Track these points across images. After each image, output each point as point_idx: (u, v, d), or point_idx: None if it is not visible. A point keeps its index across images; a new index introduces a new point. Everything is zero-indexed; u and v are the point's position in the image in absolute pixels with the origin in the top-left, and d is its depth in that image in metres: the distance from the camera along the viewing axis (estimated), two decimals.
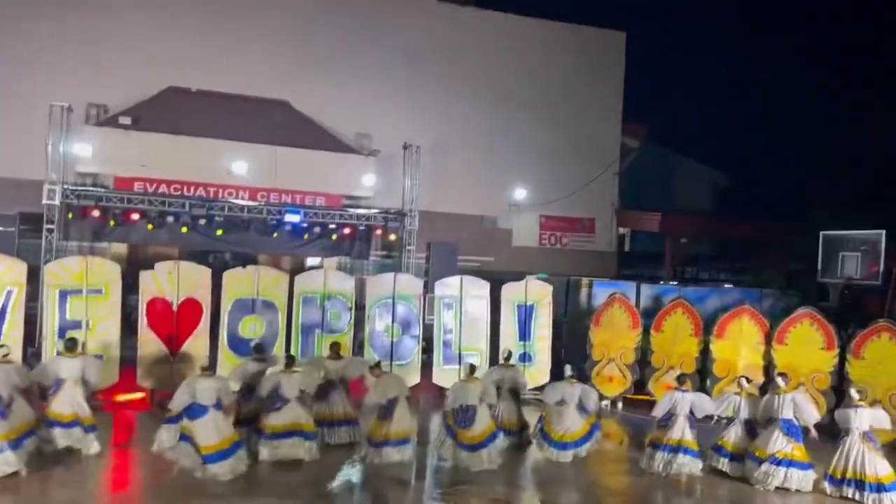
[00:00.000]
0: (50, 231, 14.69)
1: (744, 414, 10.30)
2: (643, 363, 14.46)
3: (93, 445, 9.71)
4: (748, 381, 10.83)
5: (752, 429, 10.22)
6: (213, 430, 9.20)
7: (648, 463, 10.28)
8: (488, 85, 23.56)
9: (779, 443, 9.72)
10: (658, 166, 28.04)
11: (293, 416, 9.91)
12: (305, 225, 16.96)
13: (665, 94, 35.06)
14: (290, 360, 10.47)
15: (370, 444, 9.99)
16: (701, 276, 27.61)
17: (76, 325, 11.74)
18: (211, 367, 10.28)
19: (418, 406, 12.48)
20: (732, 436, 10.28)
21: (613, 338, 14.61)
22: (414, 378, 13.84)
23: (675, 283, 19.66)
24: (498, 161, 23.44)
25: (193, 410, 9.25)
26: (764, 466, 9.68)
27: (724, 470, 10.15)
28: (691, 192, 29.23)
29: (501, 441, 10.37)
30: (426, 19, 23.20)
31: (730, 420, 10.43)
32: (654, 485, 9.88)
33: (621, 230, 26.91)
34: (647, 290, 16.39)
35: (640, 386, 14.43)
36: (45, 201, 14.60)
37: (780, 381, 10.29)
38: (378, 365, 10.95)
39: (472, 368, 10.71)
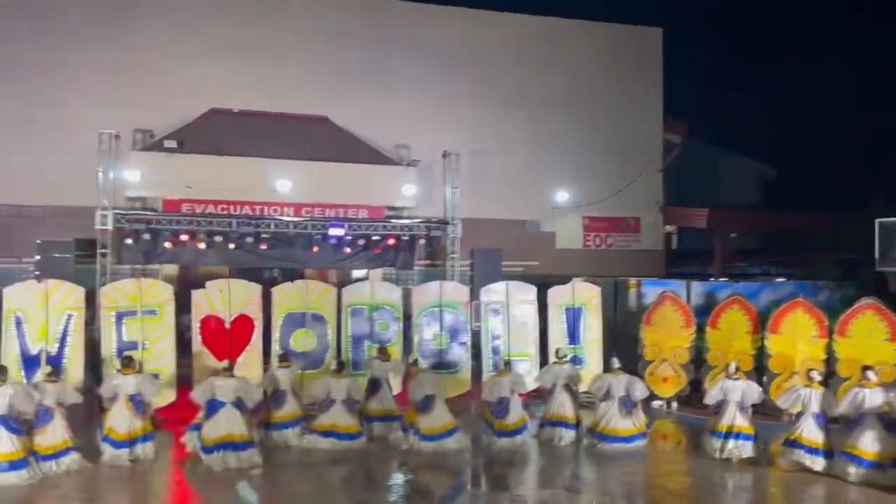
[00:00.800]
0: (104, 255, 15.10)
1: (815, 407, 10.07)
2: (698, 362, 14.21)
3: (149, 452, 10.18)
4: (818, 373, 10.59)
5: (824, 422, 10.03)
6: (223, 424, 9.91)
7: (707, 449, 10.59)
8: (525, 88, 23.47)
9: (881, 441, 9.49)
10: (702, 161, 27.56)
11: (336, 417, 10.90)
12: (350, 238, 17.11)
13: (705, 88, 34.50)
14: (340, 366, 11.53)
15: (416, 434, 10.86)
16: (752, 271, 27.04)
17: (133, 345, 12.01)
18: None
19: (470, 413, 12.51)
20: (805, 430, 10.05)
21: (665, 337, 14.38)
22: (464, 386, 13.82)
23: (726, 279, 19.31)
24: (538, 164, 23.33)
25: (211, 405, 10.03)
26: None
27: (805, 464, 9.93)
28: (738, 186, 28.68)
29: (530, 431, 11.43)
30: (459, 26, 23.22)
31: (799, 414, 10.25)
32: (714, 485, 9.70)
33: (668, 228, 26.50)
34: (697, 288, 16.11)
35: (696, 385, 14.17)
36: (97, 226, 15.02)
37: (870, 375, 10.00)
38: (415, 363, 12.25)
39: (505, 363, 11.98)
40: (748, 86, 34.53)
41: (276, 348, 13.02)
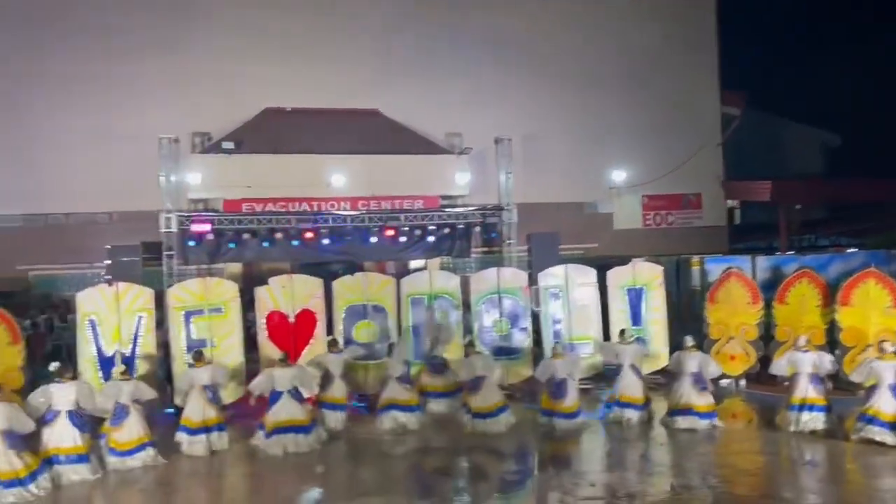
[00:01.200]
0: (170, 257, 15.53)
1: (890, 379, 9.72)
2: (767, 338, 13.86)
3: (223, 442, 10.64)
4: (891, 344, 10.22)
5: None
6: (282, 411, 10.48)
7: (782, 423, 10.61)
8: (577, 67, 23.14)
9: None
10: (763, 133, 26.75)
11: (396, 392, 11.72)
12: (406, 229, 17.20)
13: (763, 57, 33.42)
14: (390, 349, 12.37)
15: (468, 413, 11.36)
16: (820, 242, 26.19)
17: (201, 343, 12.31)
18: None
19: (534, 398, 12.49)
20: (884, 404, 9.74)
21: (732, 315, 14.04)
22: (526, 371, 13.78)
23: (793, 252, 18.73)
24: (593, 144, 23.02)
25: (271, 396, 10.62)
26: None
27: (878, 439, 9.62)
28: (801, 156, 27.76)
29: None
30: (507, 9, 23.00)
31: (872, 388, 9.94)
32: (786, 463, 9.49)
33: (730, 203, 25.86)
34: (763, 263, 15.67)
35: (765, 362, 13.82)
36: (162, 229, 15.45)
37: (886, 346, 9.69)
38: (471, 343, 12.64)
39: (559, 346, 12.21)
40: (808, 51, 33.27)
41: (340, 341, 13.20)
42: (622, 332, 12.52)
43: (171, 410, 11.88)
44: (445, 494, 8.60)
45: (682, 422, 10.94)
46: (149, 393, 10.48)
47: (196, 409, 10.57)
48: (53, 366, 9.89)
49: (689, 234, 24.02)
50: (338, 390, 11.75)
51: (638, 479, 9.01)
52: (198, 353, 11.15)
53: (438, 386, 12.57)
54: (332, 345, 12.18)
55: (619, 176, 23.29)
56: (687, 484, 8.75)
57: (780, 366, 11.02)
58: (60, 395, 9.48)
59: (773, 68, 32.04)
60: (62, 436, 9.37)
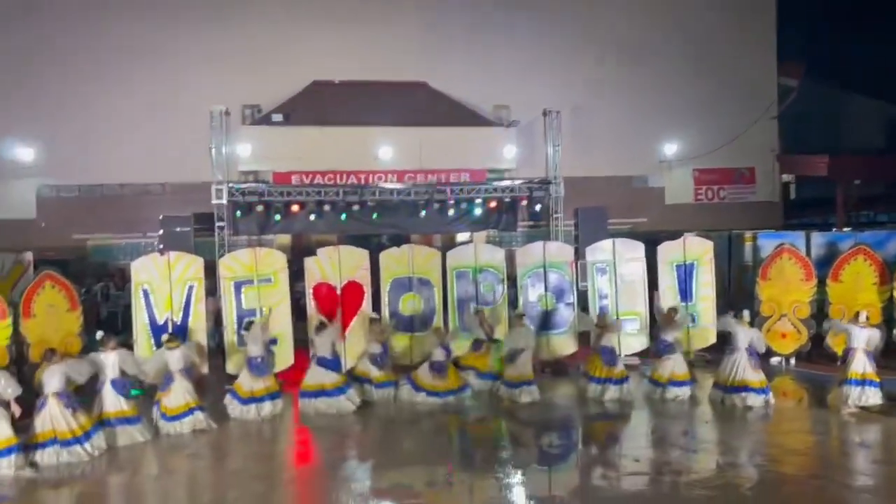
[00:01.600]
0: (221, 228, 15.79)
1: None
2: (819, 316, 13.54)
3: (275, 409, 10.97)
4: None
5: None
6: (317, 374, 11.20)
7: (836, 400, 10.49)
8: (628, 37, 22.66)
9: None
10: (821, 105, 25.87)
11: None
12: (452, 202, 17.18)
13: (823, 25, 32.14)
14: (171, 338, 11.26)
15: (501, 381, 11.80)
16: (879, 218, 25.36)
17: (251, 313, 12.54)
18: None
19: (578, 372, 12.47)
20: None
21: (784, 292, 13.75)
22: (571, 346, 13.73)
23: (849, 229, 18.18)
24: (644, 117, 22.60)
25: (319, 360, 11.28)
26: None
27: None
28: (861, 130, 26.78)
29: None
30: None
31: None
32: (837, 443, 9.30)
33: (784, 177, 25.17)
34: (818, 239, 15.28)
35: (817, 341, 13.54)
36: (214, 201, 15.70)
37: None
38: (520, 316, 12.59)
39: (607, 317, 12.52)
40: (871, 19, 31.89)
41: (385, 312, 13.33)
42: (673, 309, 12.24)
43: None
44: (487, 466, 8.66)
45: (737, 398, 10.79)
46: (197, 360, 10.76)
47: (247, 379, 10.90)
48: (99, 335, 10.22)
49: (741, 209, 23.51)
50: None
51: (683, 456, 8.93)
52: (248, 324, 11.47)
53: (479, 366, 12.42)
54: (374, 322, 12.32)
55: (669, 149, 22.86)
56: (733, 462, 8.65)
57: (838, 326, 11.14)
58: (105, 363, 9.84)
59: (833, 37, 30.79)
60: (108, 402, 9.75)
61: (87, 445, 9.09)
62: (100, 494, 8.31)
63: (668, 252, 14.25)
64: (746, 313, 11.46)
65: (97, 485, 8.49)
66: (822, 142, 24.45)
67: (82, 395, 9.81)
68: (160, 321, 12.11)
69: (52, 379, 9.12)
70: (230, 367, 12.31)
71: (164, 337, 11.12)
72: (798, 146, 24.47)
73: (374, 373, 11.89)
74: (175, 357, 10.45)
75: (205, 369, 11.77)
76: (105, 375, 9.81)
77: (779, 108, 23.98)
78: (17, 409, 8.94)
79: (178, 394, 10.29)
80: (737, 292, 15.91)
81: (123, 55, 20.50)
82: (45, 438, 8.89)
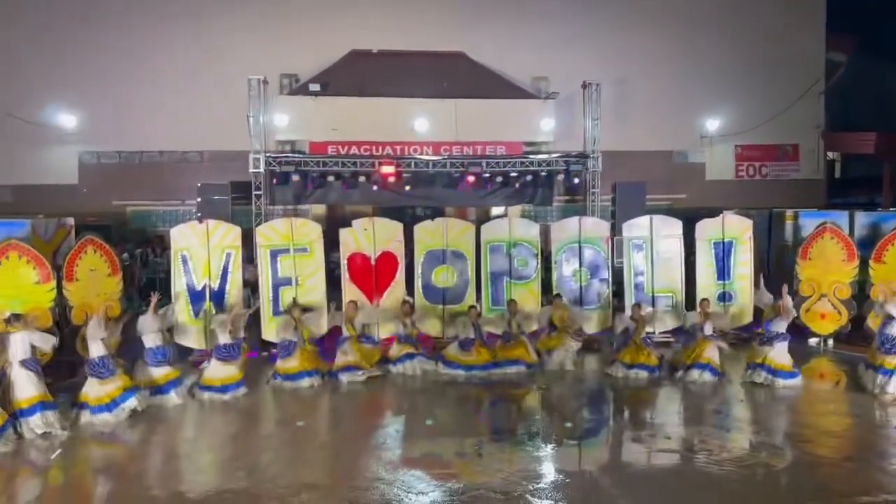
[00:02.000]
0: (258, 197, 15.95)
1: None
2: (861, 298, 13.26)
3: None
4: None
5: None
6: (349, 353, 11.63)
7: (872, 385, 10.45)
8: (670, 9, 22.14)
9: None
10: (870, 81, 25.08)
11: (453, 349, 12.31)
12: (488, 175, 17.10)
13: None
14: (472, 310, 12.52)
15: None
16: None
17: (287, 282, 12.72)
18: None
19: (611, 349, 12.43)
20: None
21: (824, 272, 13.49)
22: (605, 322, 13.66)
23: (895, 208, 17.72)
24: (686, 91, 22.15)
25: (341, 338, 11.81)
26: None
27: None
28: None
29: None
30: None
31: None
32: (873, 427, 9.15)
33: (830, 155, 24.54)
34: (862, 219, 14.90)
35: (857, 322, 13.27)
36: (251, 170, 15.85)
37: None
38: (557, 296, 12.81)
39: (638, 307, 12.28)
40: None
41: (417, 284, 13.39)
42: (703, 301, 12.19)
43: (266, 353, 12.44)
44: (517, 439, 8.70)
45: (778, 381, 10.76)
46: (240, 332, 11.02)
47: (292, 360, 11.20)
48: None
49: (784, 187, 23.01)
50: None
51: (716, 434, 8.87)
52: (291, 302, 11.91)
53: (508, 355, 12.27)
54: (405, 304, 12.44)
55: (712, 124, 22.40)
56: (767, 442, 8.57)
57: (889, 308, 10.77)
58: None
59: (885, 11, 29.74)
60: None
61: (131, 401, 9.41)
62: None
63: (707, 229, 14.04)
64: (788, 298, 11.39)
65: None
66: (869, 119, 23.74)
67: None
68: (198, 287, 12.33)
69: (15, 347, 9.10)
70: (266, 334, 12.54)
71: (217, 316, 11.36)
72: (844, 123, 23.81)
73: (394, 350, 12.08)
74: (222, 328, 10.81)
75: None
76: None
77: (826, 83, 23.31)
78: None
79: (221, 367, 10.57)
80: (776, 273, 15.62)
81: (164, 23, 20.67)
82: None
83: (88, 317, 10.05)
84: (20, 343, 9.02)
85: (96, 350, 9.51)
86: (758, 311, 12.91)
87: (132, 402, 9.52)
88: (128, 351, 10.54)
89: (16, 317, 9.22)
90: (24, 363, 8.94)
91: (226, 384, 10.61)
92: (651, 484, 7.50)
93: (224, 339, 10.83)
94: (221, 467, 7.94)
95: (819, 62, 23.17)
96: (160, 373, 10.26)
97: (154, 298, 10.70)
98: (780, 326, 11.15)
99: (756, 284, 12.85)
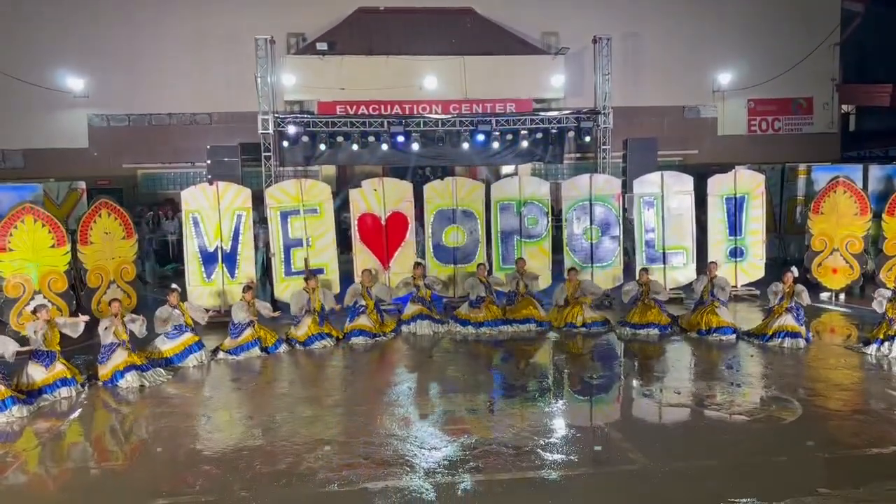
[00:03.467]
0: (267, 158, 15.95)
1: None
2: (875, 252, 13.21)
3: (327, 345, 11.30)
4: None
5: None
6: (361, 318, 11.60)
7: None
8: None
9: None
10: (888, 32, 24.56)
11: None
12: (497, 133, 16.99)
13: None
14: (481, 267, 12.56)
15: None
16: None
17: (297, 242, 12.80)
18: None
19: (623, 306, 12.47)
20: None
21: (836, 226, 13.42)
22: (616, 280, 13.68)
23: None
24: (698, 44, 21.81)
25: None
26: None
27: None
28: None
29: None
30: None
31: None
32: (884, 381, 9.18)
33: (844, 108, 24.20)
34: (876, 172, 14.78)
35: (869, 277, 13.24)
36: (260, 131, 15.82)
37: None
38: (572, 269, 12.51)
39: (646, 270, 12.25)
40: None
41: (428, 244, 13.43)
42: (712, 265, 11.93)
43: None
44: (529, 395, 8.79)
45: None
46: (263, 306, 11.14)
47: (304, 327, 11.22)
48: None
49: (797, 141, 22.78)
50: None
51: (726, 389, 8.93)
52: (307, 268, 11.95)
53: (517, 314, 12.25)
54: (417, 267, 12.40)
55: (724, 78, 22.11)
56: (776, 396, 8.62)
57: None
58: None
59: None
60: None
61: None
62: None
63: (719, 185, 13.97)
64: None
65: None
66: (885, 71, 23.34)
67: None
68: (210, 249, 12.42)
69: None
70: (278, 294, 12.66)
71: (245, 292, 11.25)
72: (860, 75, 23.42)
73: (407, 310, 12.12)
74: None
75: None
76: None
77: (842, 34, 22.88)
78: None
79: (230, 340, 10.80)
80: (788, 227, 15.57)
81: None
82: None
83: (103, 281, 10.10)
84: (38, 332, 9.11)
85: (106, 339, 9.54)
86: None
87: (134, 380, 9.51)
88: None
89: (41, 307, 9.29)
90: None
91: (240, 345, 10.74)
92: (661, 438, 7.58)
93: (239, 318, 10.85)
94: (237, 425, 8.08)
95: (835, 13, 22.72)
96: (178, 342, 10.31)
97: (172, 293, 10.61)
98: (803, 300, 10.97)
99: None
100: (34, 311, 9.24)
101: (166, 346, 10.21)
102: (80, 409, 8.65)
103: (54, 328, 9.21)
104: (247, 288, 11.16)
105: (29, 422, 8.20)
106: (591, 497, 6.15)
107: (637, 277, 12.23)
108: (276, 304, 12.52)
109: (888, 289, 10.96)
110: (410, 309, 12.14)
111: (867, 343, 10.27)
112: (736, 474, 6.42)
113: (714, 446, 7.17)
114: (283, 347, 10.99)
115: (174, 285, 10.80)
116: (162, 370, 9.75)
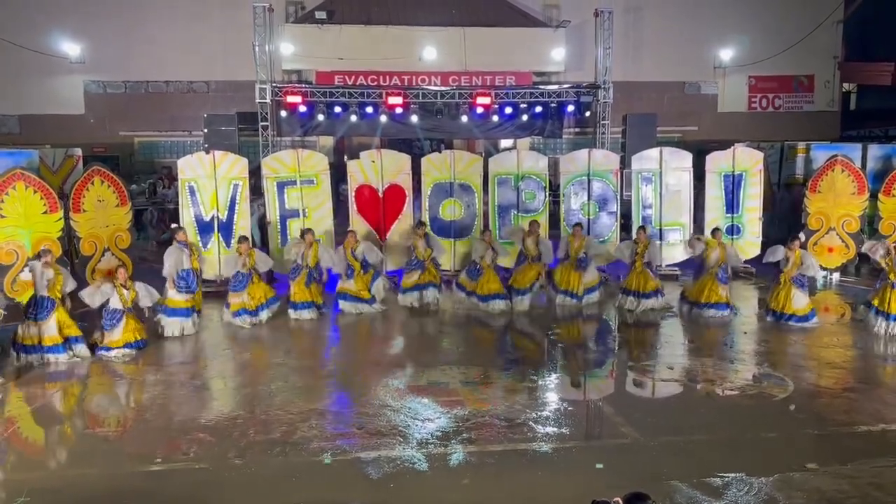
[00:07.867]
0: (265, 128, 15.85)
1: None
2: (869, 232, 13.22)
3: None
4: None
5: None
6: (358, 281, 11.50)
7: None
8: None
9: None
10: (892, 10, 24.33)
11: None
12: (496, 107, 16.88)
13: None
14: (486, 232, 12.53)
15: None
16: None
17: (294, 213, 12.76)
18: None
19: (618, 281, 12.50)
20: None
21: (834, 205, 13.41)
22: (613, 256, 13.67)
23: None
24: (700, 19, 21.61)
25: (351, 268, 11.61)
26: None
27: None
28: None
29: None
30: None
31: None
32: (876, 359, 9.24)
33: (845, 86, 24.08)
34: (875, 151, 14.73)
35: (865, 256, 13.25)
36: (258, 100, 15.70)
37: None
38: (578, 225, 12.36)
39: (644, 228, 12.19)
40: None
41: (425, 217, 13.39)
42: (715, 231, 11.83)
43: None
44: (524, 369, 8.83)
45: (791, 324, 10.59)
46: (263, 263, 11.17)
47: (301, 291, 11.20)
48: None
49: (797, 119, 22.69)
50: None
51: (719, 365, 8.98)
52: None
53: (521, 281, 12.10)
54: (419, 227, 12.27)
55: (726, 54, 21.95)
56: (769, 373, 8.68)
57: (873, 250, 10.56)
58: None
59: None
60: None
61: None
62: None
63: (717, 162, 13.92)
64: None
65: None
66: (888, 50, 23.16)
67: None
68: (206, 218, 12.39)
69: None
70: (274, 266, 12.63)
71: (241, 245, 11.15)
72: (863, 53, 23.26)
73: (406, 278, 12.01)
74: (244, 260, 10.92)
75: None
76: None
77: (845, 12, 22.68)
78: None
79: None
80: (785, 205, 15.54)
81: None
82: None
83: (97, 249, 10.07)
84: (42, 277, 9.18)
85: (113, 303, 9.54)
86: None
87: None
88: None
89: (46, 251, 9.40)
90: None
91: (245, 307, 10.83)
92: (652, 412, 7.64)
93: (233, 270, 10.95)
94: (231, 394, 8.13)
95: None
96: (182, 298, 10.36)
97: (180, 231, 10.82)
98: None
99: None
100: (38, 256, 9.34)
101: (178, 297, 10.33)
102: (75, 376, 8.70)
103: (59, 275, 9.29)
104: (242, 238, 11.15)
105: (21, 385, 8.26)
106: (582, 469, 6.20)
107: (634, 236, 12.08)
108: (272, 275, 12.52)
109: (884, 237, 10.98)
110: (410, 277, 11.98)
111: (870, 307, 10.33)
112: (726, 449, 6.49)
113: (705, 421, 7.23)
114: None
115: (175, 225, 10.86)
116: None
